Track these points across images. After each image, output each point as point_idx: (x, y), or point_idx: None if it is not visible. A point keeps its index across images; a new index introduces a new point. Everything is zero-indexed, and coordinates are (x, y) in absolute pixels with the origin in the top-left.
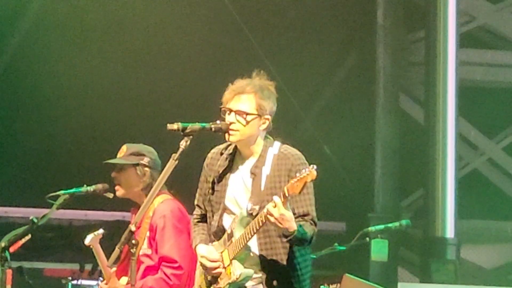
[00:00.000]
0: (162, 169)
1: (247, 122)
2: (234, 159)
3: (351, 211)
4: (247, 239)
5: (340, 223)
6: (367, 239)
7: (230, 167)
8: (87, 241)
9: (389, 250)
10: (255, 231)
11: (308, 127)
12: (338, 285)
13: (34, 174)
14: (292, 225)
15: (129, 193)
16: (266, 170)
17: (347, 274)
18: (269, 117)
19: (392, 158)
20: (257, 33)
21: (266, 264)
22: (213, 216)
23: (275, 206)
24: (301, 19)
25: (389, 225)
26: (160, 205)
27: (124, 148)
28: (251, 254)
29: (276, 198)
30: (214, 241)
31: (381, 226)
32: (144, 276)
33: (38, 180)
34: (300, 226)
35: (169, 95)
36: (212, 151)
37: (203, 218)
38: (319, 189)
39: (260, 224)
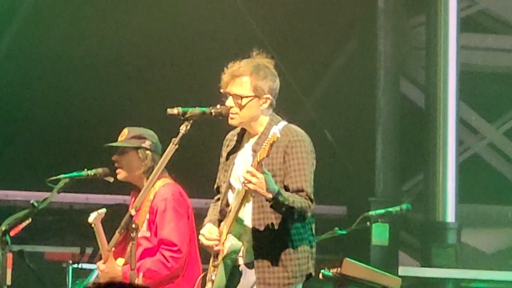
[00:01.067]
0: (163, 153)
1: (244, 105)
2: (242, 139)
3: (351, 195)
4: (235, 211)
5: (341, 207)
6: (368, 223)
7: (237, 147)
8: (90, 219)
9: (390, 234)
10: (239, 201)
11: (308, 111)
12: (339, 269)
13: (35, 158)
14: (272, 186)
15: (130, 176)
16: (270, 152)
17: (347, 258)
18: (269, 96)
19: (392, 143)
20: (258, 17)
21: (259, 241)
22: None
23: (251, 175)
24: (302, 2)
25: (390, 209)
26: (161, 188)
27: (125, 131)
28: (246, 229)
29: (249, 167)
30: (222, 220)
31: (382, 211)
32: (141, 258)
33: (39, 163)
34: (281, 191)
35: (169, 78)
36: (229, 134)
37: (219, 200)
38: (320, 173)
39: (243, 194)
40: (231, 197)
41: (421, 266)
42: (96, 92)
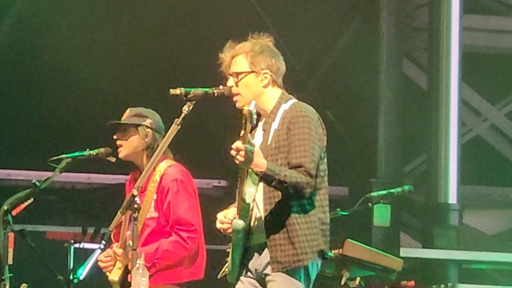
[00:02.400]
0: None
1: (240, 81)
2: (259, 120)
3: (353, 176)
4: (239, 190)
5: (343, 188)
6: (370, 204)
7: (254, 129)
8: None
9: (392, 215)
10: (242, 179)
11: (310, 92)
12: (340, 250)
13: (36, 137)
14: (261, 160)
15: (131, 154)
16: (275, 125)
17: (349, 239)
18: (267, 71)
19: (394, 124)
20: None
21: (270, 220)
22: None
23: (236, 150)
24: None
25: (392, 190)
26: (169, 169)
27: (127, 111)
28: (254, 208)
29: (236, 143)
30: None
31: (384, 192)
32: (150, 239)
33: (41, 143)
34: (273, 165)
35: (172, 60)
36: None
37: None
38: None
39: (245, 171)
40: None
41: (423, 247)
42: (98, 72)
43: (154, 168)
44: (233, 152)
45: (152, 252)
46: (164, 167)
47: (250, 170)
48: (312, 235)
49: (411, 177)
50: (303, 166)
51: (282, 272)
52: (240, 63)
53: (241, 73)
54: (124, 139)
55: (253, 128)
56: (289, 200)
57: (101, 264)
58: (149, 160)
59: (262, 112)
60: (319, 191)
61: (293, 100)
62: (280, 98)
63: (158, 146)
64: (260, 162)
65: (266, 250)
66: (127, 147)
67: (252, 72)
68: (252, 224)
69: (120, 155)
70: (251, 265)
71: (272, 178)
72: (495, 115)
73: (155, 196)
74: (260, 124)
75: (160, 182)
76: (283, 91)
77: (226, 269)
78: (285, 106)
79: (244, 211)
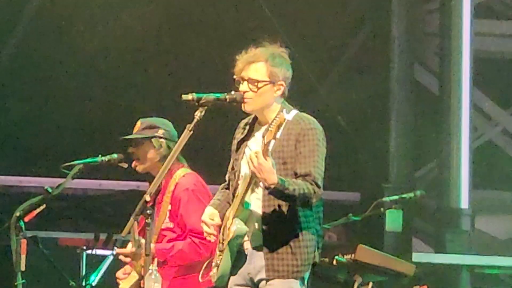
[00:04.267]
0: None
1: (259, 89)
2: (253, 128)
3: (365, 181)
4: (242, 195)
5: (355, 194)
6: (382, 209)
7: (248, 135)
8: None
9: (404, 220)
10: (246, 185)
11: (322, 97)
12: (353, 255)
13: (48, 144)
14: (271, 177)
15: (148, 167)
16: (277, 134)
17: (361, 245)
18: (282, 83)
19: (406, 129)
20: (271, 3)
21: (269, 227)
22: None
23: (256, 155)
24: None
25: (404, 195)
26: (182, 178)
27: (138, 123)
28: (255, 214)
29: (258, 147)
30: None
31: (395, 197)
32: None
33: (53, 149)
34: (283, 180)
35: (183, 66)
36: (241, 122)
37: (227, 188)
38: (333, 160)
39: (249, 177)
40: None
41: (435, 252)
42: (109, 79)
43: (170, 177)
44: (252, 156)
45: (167, 248)
46: (179, 177)
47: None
48: (311, 247)
49: (423, 182)
50: (311, 175)
51: (279, 278)
52: (260, 71)
53: (261, 81)
54: (139, 152)
55: (248, 136)
56: (296, 210)
57: (118, 281)
58: None
59: (263, 119)
60: (318, 203)
61: (295, 111)
62: (282, 108)
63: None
64: (271, 178)
65: (260, 255)
66: (143, 160)
67: (271, 82)
68: (249, 224)
69: (138, 170)
70: (244, 269)
71: (281, 193)
72: (506, 120)
73: (169, 207)
74: (258, 133)
75: (173, 192)
76: (284, 101)
77: (214, 273)
78: (287, 117)
79: (243, 217)
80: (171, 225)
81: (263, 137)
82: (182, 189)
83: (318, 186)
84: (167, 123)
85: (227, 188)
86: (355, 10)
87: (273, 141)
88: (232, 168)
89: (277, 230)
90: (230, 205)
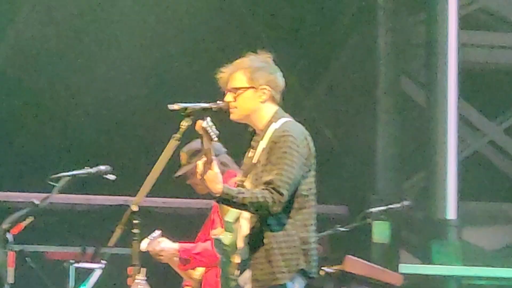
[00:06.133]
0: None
1: (239, 96)
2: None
3: (353, 194)
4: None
5: (342, 207)
6: (369, 220)
7: (249, 144)
8: (143, 246)
9: (391, 232)
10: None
11: (309, 110)
12: (340, 266)
13: (36, 159)
14: (215, 186)
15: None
16: (263, 143)
17: (348, 255)
18: (265, 87)
19: (393, 140)
20: (257, 15)
21: (252, 238)
22: None
23: (204, 165)
24: (302, 0)
25: (391, 206)
26: None
27: (183, 155)
28: (244, 228)
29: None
30: None
31: (383, 207)
32: None
33: (40, 165)
34: (232, 189)
35: (172, 78)
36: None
37: None
38: (320, 173)
39: None
40: None
41: (422, 264)
42: (98, 92)
43: None
44: (199, 168)
45: (190, 247)
46: None
47: None
48: (291, 254)
49: (410, 193)
50: (272, 183)
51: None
52: (239, 79)
53: (240, 88)
54: (195, 180)
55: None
56: (268, 221)
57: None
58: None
59: (256, 128)
60: (302, 210)
61: (285, 119)
62: (272, 116)
63: (228, 166)
64: (215, 187)
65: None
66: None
67: (251, 87)
68: (238, 241)
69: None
70: (240, 280)
71: (229, 202)
72: (493, 131)
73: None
74: (254, 141)
75: None
76: (279, 108)
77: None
78: (275, 125)
79: (228, 228)
80: None
81: (252, 148)
82: None
83: (280, 193)
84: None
85: None
86: (342, 22)
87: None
88: None
89: (258, 241)
90: None
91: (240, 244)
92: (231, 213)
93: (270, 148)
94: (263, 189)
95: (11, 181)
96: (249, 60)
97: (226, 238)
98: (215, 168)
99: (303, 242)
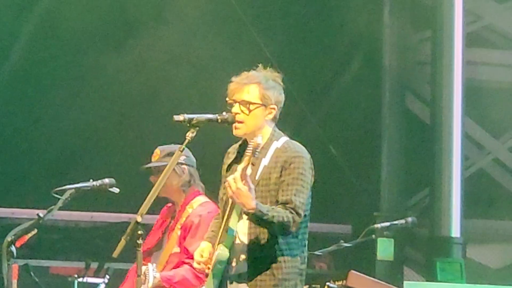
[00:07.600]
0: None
1: (250, 111)
2: (243, 152)
3: (357, 213)
4: (225, 221)
5: (346, 226)
6: (373, 236)
7: (238, 159)
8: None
9: (395, 249)
10: (229, 211)
11: (314, 127)
12: (344, 281)
13: (41, 175)
14: (249, 202)
15: (169, 193)
16: (265, 161)
17: (353, 271)
18: (274, 106)
19: (397, 158)
20: (263, 32)
21: (253, 254)
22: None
23: (235, 180)
24: (307, 17)
25: (395, 222)
26: (198, 207)
27: (157, 151)
28: (241, 242)
29: (236, 173)
30: None
31: (387, 224)
32: None
33: (45, 181)
34: (263, 206)
35: (173, 91)
36: (230, 148)
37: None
38: (325, 191)
39: (231, 203)
40: None
41: (426, 281)
42: (102, 109)
43: (186, 204)
44: (230, 181)
45: (170, 275)
46: (196, 205)
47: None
48: (293, 274)
49: (414, 210)
50: (292, 203)
51: None
52: (253, 93)
53: (253, 103)
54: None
55: (237, 160)
56: (276, 237)
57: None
58: (184, 194)
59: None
60: (304, 230)
61: (285, 138)
62: (272, 134)
63: (194, 180)
64: (249, 204)
65: (243, 286)
66: (165, 187)
67: (263, 105)
68: (232, 254)
69: (162, 194)
70: None
71: (260, 219)
72: (498, 149)
73: (178, 233)
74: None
75: (187, 219)
76: (275, 126)
77: None
78: (277, 144)
79: (227, 243)
80: (177, 249)
81: (253, 164)
82: (195, 215)
83: (298, 215)
84: (186, 149)
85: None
86: (347, 39)
87: (250, 166)
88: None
89: (261, 259)
90: None
91: (237, 256)
92: (234, 220)
93: (283, 167)
94: (280, 207)
95: (16, 197)
96: (263, 76)
97: (224, 253)
98: (250, 184)
99: (302, 262)
